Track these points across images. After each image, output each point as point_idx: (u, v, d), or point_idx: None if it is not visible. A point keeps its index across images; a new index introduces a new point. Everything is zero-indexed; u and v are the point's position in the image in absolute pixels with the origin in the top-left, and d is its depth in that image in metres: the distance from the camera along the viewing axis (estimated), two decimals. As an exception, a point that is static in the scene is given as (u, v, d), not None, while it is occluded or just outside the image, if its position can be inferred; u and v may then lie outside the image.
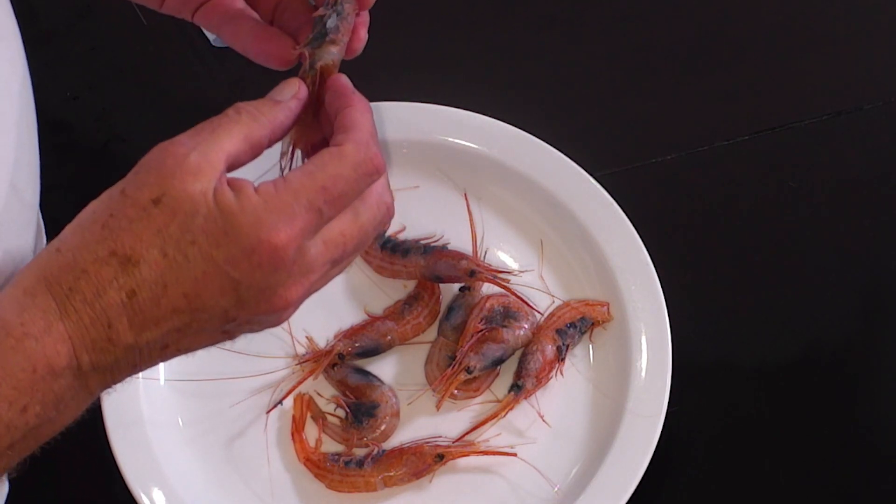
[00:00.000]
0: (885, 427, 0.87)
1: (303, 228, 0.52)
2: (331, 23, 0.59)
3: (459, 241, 0.91)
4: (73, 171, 0.97)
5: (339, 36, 0.60)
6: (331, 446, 0.84)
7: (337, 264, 0.56)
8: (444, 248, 0.89)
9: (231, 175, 0.54)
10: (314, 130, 0.61)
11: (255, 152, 0.55)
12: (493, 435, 0.84)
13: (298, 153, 0.61)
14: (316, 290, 0.56)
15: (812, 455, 0.86)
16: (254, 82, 0.67)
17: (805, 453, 0.86)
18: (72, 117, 0.99)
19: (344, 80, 0.59)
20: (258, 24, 0.64)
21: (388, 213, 0.57)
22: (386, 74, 1.00)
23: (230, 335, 0.55)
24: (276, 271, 0.52)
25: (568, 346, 0.86)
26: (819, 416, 0.87)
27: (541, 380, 0.85)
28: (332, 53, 0.60)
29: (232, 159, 0.54)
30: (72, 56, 1.01)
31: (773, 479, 0.85)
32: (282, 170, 0.59)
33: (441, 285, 0.89)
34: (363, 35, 0.62)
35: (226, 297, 0.52)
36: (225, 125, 0.54)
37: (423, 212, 0.92)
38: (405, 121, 0.93)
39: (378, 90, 0.94)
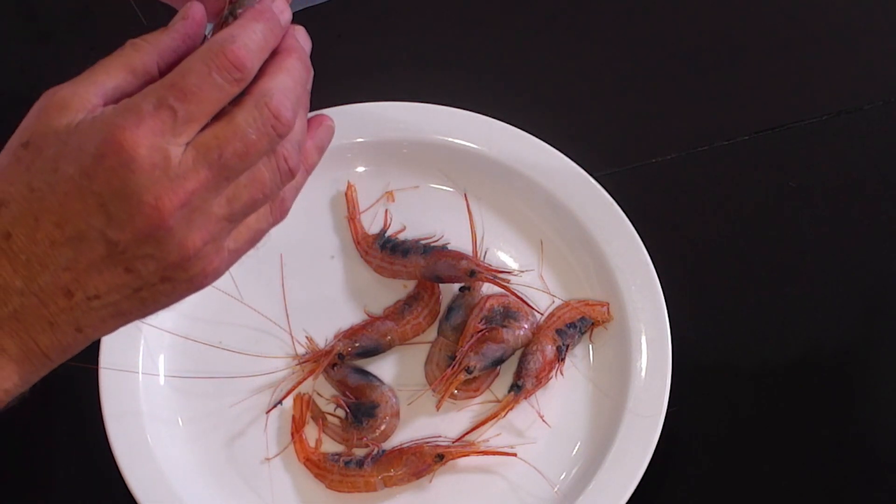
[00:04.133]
0: (884, 428, 0.87)
1: (153, 125, 0.50)
2: None
3: (459, 241, 0.91)
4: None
5: None
6: (331, 446, 0.84)
7: (223, 172, 0.52)
8: (444, 248, 0.89)
9: None
10: None
11: (142, 78, 0.54)
12: (493, 435, 0.84)
13: None
14: (220, 217, 0.53)
15: (812, 455, 0.86)
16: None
17: (805, 453, 0.86)
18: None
19: (266, 1, 0.57)
20: None
21: (274, 115, 0.53)
22: (386, 74, 1.00)
23: (139, 277, 0.52)
24: (133, 173, 0.50)
25: (568, 346, 0.86)
26: (819, 416, 0.87)
27: (541, 380, 0.85)
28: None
29: (111, 91, 0.53)
30: (72, 56, 1.01)
31: (773, 480, 0.85)
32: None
33: (441, 285, 0.89)
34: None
35: (94, 215, 0.50)
36: (104, 62, 0.53)
37: (423, 212, 0.92)
38: (405, 121, 0.93)
39: (378, 90, 0.95)
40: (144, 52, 0.54)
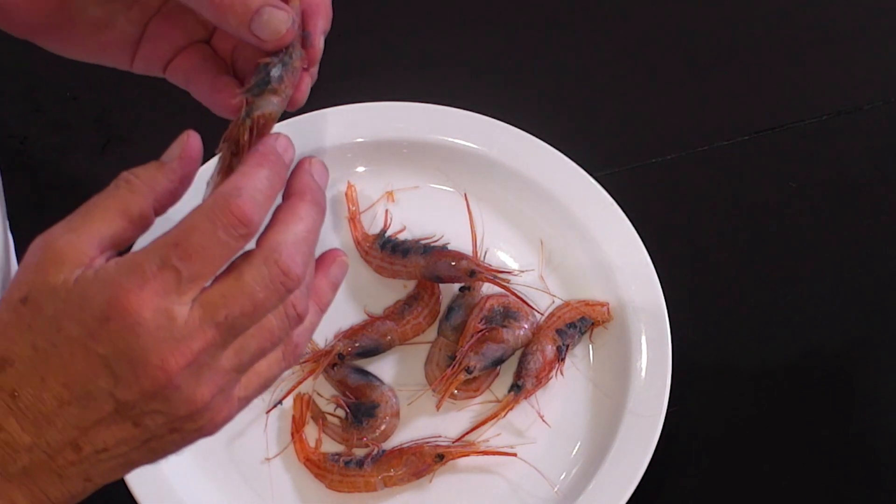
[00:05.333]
0: (884, 428, 0.87)
1: (157, 287, 0.49)
2: (275, 72, 0.56)
3: (459, 241, 0.91)
4: (73, 171, 0.97)
5: (281, 86, 0.57)
6: (331, 446, 0.84)
7: (231, 330, 0.51)
8: (444, 248, 0.89)
9: None
10: None
11: (140, 224, 0.52)
12: (493, 435, 0.84)
13: None
14: (228, 369, 0.52)
15: (812, 455, 0.86)
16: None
17: (805, 454, 0.86)
18: (72, 117, 0.99)
19: (269, 140, 0.55)
20: (215, 76, 0.62)
21: (283, 272, 0.52)
22: (386, 74, 1.00)
23: (148, 430, 0.52)
24: (138, 336, 0.49)
25: (568, 346, 0.86)
26: (819, 416, 0.87)
27: (541, 380, 0.85)
28: (272, 104, 0.56)
29: (109, 240, 0.51)
30: (72, 56, 1.01)
31: (773, 480, 0.85)
32: None
33: (441, 285, 0.89)
34: (306, 89, 0.60)
35: (101, 377, 0.50)
36: (99, 204, 0.52)
37: (423, 212, 0.92)
38: (405, 121, 0.93)
39: (378, 90, 0.95)
40: (141, 195, 0.52)
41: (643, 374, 0.84)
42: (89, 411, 0.50)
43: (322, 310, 0.57)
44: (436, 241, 0.90)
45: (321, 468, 0.83)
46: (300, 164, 0.56)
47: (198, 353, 0.50)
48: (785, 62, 1.04)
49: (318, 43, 0.59)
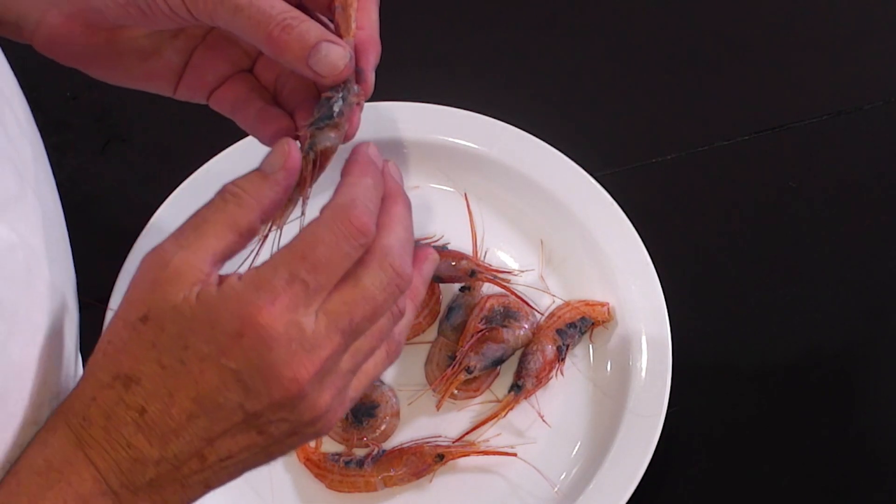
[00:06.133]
0: (884, 428, 0.87)
1: (288, 301, 0.50)
2: (337, 107, 0.58)
3: (459, 241, 0.91)
4: (73, 171, 0.97)
5: (342, 121, 0.58)
6: (331, 446, 0.84)
7: (354, 335, 0.53)
8: (444, 248, 0.89)
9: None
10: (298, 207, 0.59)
11: (248, 237, 0.53)
12: (493, 435, 0.84)
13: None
14: (346, 371, 0.54)
15: (812, 456, 0.86)
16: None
17: (805, 454, 0.86)
18: (72, 117, 0.99)
19: (362, 149, 0.57)
20: (261, 107, 0.63)
21: (397, 274, 0.53)
22: (386, 74, 1.00)
23: (271, 437, 0.53)
24: (271, 350, 0.50)
25: (568, 346, 0.86)
26: (819, 416, 0.87)
27: (541, 380, 0.85)
28: (332, 138, 0.58)
29: (220, 255, 0.52)
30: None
31: (773, 480, 0.85)
32: (259, 244, 0.57)
33: (441, 285, 0.89)
34: (357, 123, 0.61)
35: (232, 391, 0.51)
36: (209, 220, 0.52)
37: (423, 212, 0.92)
38: (405, 121, 0.93)
39: (378, 90, 0.94)
40: (249, 209, 0.53)
41: (643, 374, 0.84)
42: (217, 423, 0.51)
43: (416, 305, 0.58)
44: (436, 241, 0.90)
45: (321, 468, 0.83)
46: (383, 168, 0.58)
47: (325, 360, 0.52)
48: (785, 62, 1.04)
49: (371, 78, 0.61)
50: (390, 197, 0.56)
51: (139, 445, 0.51)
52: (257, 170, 0.54)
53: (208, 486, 0.54)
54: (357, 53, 0.59)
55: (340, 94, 0.58)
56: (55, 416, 0.52)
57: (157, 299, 0.51)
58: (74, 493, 0.51)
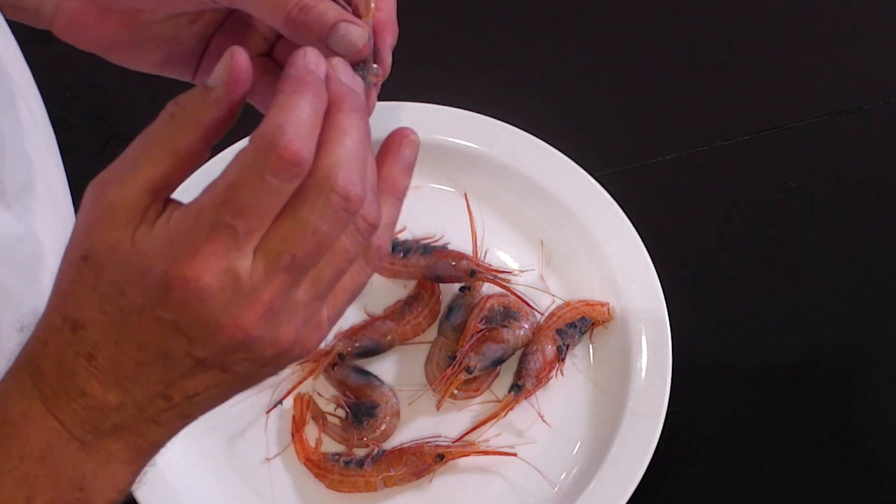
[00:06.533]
0: (884, 428, 0.87)
1: (215, 249, 0.47)
2: None
3: (459, 241, 0.91)
4: (73, 171, 0.97)
5: None
6: (331, 446, 0.84)
7: (300, 270, 0.49)
8: (444, 248, 0.89)
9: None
10: None
11: (191, 162, 0.49)
12: (493, 435, 0.84)
13: None
14: (307, 301, 0.50)
15: (812, 455, 0.86)
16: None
17: (805, 454, 0.86)
18: (72, 117, 0.99)
19: (298, 59, 0.50)
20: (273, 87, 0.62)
21: (343, 199, 0.48)
22: (386, 74, 1.00)
23: (237, 374, 0.51)
24: (204, 302, 0.47)
25: (568, 346, 0.86)
26: (819, 416, 0.87)
27: (541, 380, 0.85)
28: None
29: (159, 184, 0.49)
30: (72, 56, 1.01)
31: (773, 480, 0.85)
32: None
33: (441, 285, 0.89)
34: (374, 102, 0.60)
35: (175, 339, 0.49)
36: (146, 145, 0.49)
37: (423, 212, 0.92)
38: (405, 121, 0.92)
39: (378, 92, 0.94)
40: (188, 131, 0.49)
41: (643, 374, 0.84)
42: (170, 369, 0.49)
43: (399, 199, 0.54)
44: (436, 241, 0.90)
45: (321, 468, 0.82)
46: (327, 73, 0.51)
47: (270, 301, 0.48)
48: (785, 62, 1.04)
49: (388, 59, 0.60)
50: (334, 105, 0.50)
51: (93, 393, 0.49)
52: (201, 84, 0.49)
53: (187, 418, 0.52)
54: (375, 34, 0.59)
55: (359, 74, 0.58)
56: (18, 360, 0.51)
57: (95, 239, 0.49)
58: (32, 446, 0.49)
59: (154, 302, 0.48)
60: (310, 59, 0.50)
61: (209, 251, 0.47)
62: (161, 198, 0.49)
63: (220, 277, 0.47)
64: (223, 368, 0.50)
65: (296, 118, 0.47)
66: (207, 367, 0.50)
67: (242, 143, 0.49)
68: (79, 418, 0.50)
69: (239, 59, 0.48)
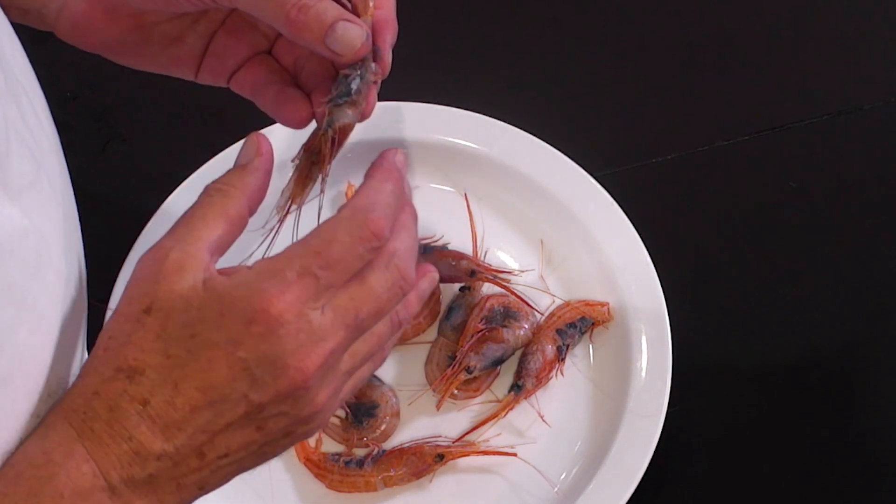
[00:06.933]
0: (884, 428, 0.87)
1: (299, 293, 0.51)
2: (355, 84, 0.59)
3: (459, 241, 0.91)
4: (73, 171, 0.97)
5: (359, 98, 0.60)
6: (331, 446, 0.84)
7: (357, 331, 0.54)
8: (444, 247, 0.89)
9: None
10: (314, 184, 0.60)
11: (239, 226, 0.55)
12: (493, 435, 0.84)
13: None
14: (344, 372, 0.54)
15: (812, 456, 0.86)
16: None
17: (805, 454, 0.86)
18: (72, 117, 0.99)
19: (389, 155, 0.58)
20: (280, 88, 0.64)
21: (402, 276, 0.55)
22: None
23: (268, 434, 0.53)
24: (281, 339, 0.51)
25: (568, 346, 0.86)
26: (819, 417, 0.87)
27: (541, 380, 0.85)
28: (349, 115, 0.59)
29: (216, 244, 0.53)
30: (72, 56, 1.01)
31: (773, 480, 0.85)
32: (278, 223, 0.59)
33: (441, 285, 0.89)
34: (374, 101, 0.62)
35: (239, 380, 0.51)
36: (198, 214, 0.54)
37: (423, 212, 0.91)
38: (405, 121, 0.93)
39: (379, 90, 0.94)
40: (235, 198, 0.54)
41: (643, 374, 0.84)
42: (221, 416, 0.52)
43: (409, 319, 0.59)
44: (436, 241, 0.90)
45: (321, 468, 0.83)
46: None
47: (329, 354, 0.52)
48: (785, 62, 1.04)
49: (388, 57, 0.61)
50: (400, 207, 0.57)
51: (141, 438, 0.51)
52: (235, 166, 0.56)
53: (202, 489, 0.54)
54: (374, 33, 0.60)
55: (358, 72, 0.59)
56: (54, 413, 0.52)
57: (162, 290, 0.51)
58: (73, 487, 0.51)
59: (230, 337, 0.51)
60: (398, 159, 0.58)
61: (294, 293, 0.51)
62: (217, 256, 0.53)
63: (298, 319, 0.51)
64: (260, 426, 0.52)
65: (384, 200, 0.55)
66: (251, 419, 0.52)
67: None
68: (119, 464, 0.51)
69: (264, 140, 0.56)
